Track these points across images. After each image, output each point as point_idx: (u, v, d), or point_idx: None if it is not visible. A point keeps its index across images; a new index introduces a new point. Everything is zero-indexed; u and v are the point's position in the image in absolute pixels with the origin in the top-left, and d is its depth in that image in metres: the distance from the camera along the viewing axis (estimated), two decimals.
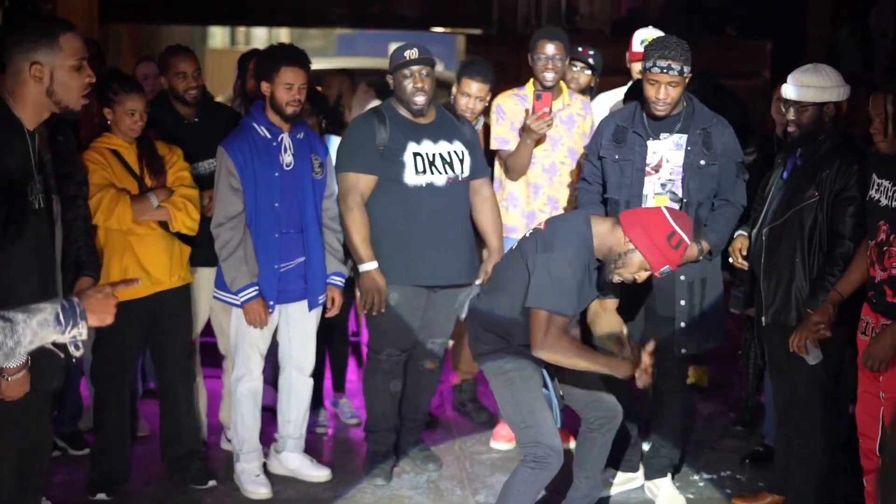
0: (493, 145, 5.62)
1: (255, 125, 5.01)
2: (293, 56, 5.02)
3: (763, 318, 4.78)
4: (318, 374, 5.98)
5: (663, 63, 4.73)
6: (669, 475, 5.21)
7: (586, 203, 5.07)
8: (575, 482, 4.62)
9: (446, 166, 5.11)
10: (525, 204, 5.60)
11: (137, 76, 6.05)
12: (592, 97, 6.04)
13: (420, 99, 5.05)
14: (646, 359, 4.17)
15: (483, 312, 4.38)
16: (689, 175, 4.87)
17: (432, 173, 5.07)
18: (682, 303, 4.88)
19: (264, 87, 4.99)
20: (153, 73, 5.96)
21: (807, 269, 4.60)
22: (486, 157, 5.48)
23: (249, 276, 4.96)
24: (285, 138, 5.03)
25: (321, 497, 5.14)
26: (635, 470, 5.26)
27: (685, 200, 4.85)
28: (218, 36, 20.70)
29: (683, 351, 4.94)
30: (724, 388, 6.75)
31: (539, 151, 5.56)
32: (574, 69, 5.99)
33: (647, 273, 4.13)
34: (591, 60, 5.99)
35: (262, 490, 5.10)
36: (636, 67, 5.76)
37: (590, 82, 6.07)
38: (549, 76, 5.51)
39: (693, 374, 6.71)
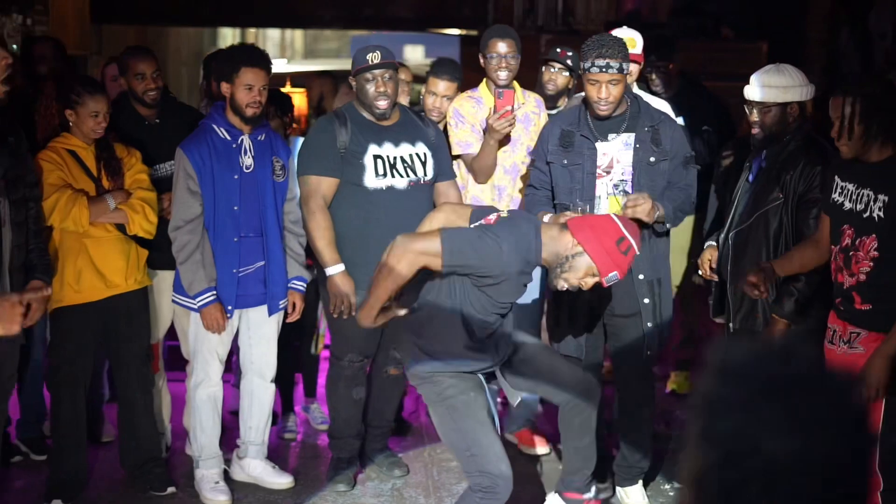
0: (455, 150, 5.49)
1: (215, 126, 4.93)
2: (253, 56, 4.94)
3: (731, 325, 4.68)
4: (289, 379, 5.94)
5: (601, 62, 4.62)
6: (640, 483, 5.11)
7: (535, 209, 4.95)
8: (565, 457, 4.52)
9: (408, 169, 5.02)
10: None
11: (106, 77, 5.99)
12: (570, 98, 5.95)
13: (383, 103, 4.96)
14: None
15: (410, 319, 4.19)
16: (638, 172, 4.76)
17: (393, 176, 4.98)
18: (646, 301, 4.77)
19: (224, 87, 4.92)
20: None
21: None
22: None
23: (207, 280, 4.88)
24: (245, 140, 4.95)
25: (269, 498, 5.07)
26: (603, 480, 5.15)
27: None
28: (229, 38, 20.67)
29: (649, 353, 4.84)
30: None
31: (499, 153, 5.48)
32: (552, 70, 5.90)
33: (594, 280, 3.95)
34: (569, 62, 5.89)
35: (220, 497, 5.02)
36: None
37: (568, 83, 5.98)
38: (503, 74, 5.42)
39: (674, 381, 6.62)
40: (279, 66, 12.43)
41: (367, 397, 5.30)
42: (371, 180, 4.96)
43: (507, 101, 5.28)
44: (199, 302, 4.89)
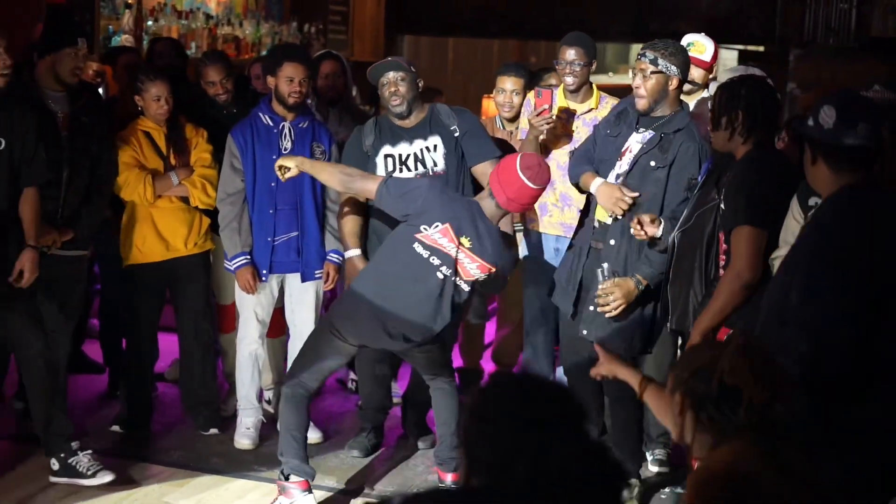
0: (518, 136, 5.90)
1: (261, 114, 5.57)
2: (293, 53, 5.60)
3: (668, 324, 4.69)
4: None
5: (642, 52, 4.90)
6: (631, 481, 5.16)
7: (578, 167, 5.20)
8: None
9: (417, 163, 5.39)
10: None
11: (251, 75, 6.80)
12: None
13: (396, 102, 5.36)
14: None
15: None
16: (635, 170, 4.88)
17: (401, 172, 5.37)
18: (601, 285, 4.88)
19: (269, 80, 5.54)
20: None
21: (702, 274, 4.48)
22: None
23: (241, 245, 5.52)
24: (286, 126, 5.54)
25: None
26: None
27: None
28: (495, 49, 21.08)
29: (584, 332, 4.93)
30: None
31: (557, 149, 5.72)
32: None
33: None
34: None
35: (244, 441, 5.65)
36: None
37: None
38: (570, 80, 5.67)
39: None
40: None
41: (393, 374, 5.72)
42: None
43: (545, 101, 5.55)
44: (234, 264, 5.54)
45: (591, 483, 1.94)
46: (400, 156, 5.39)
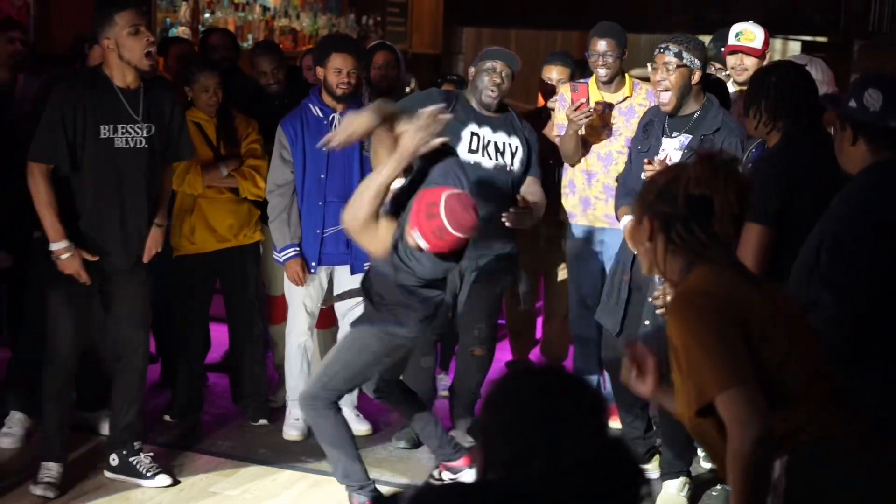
0: (553, 132, 5.87)
1: (311, 105, 5.56)
2: (342, 44, 5.57)
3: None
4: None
5: (664, 45, 4.90)
6: (682, 478, 5.09)
7: (617, 201, 5.19)
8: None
9: (498, 154, 5.38)
10: (581, 190, 5.76)
11: (303, 67, 6.81)
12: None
13: (492, 93, 5.37)
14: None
15: None
16: None
17: (482, 156, 5.37)
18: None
19: (319, 71, 5.54)
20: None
21: None
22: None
23: (290, 237, 5.52)
24: (336, 117, 5.53)
25: None
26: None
27: None
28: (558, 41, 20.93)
29: (647, 323, 4.85)
30: None
31: (597, 140, 5.69)
32: None
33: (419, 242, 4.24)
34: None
35: (293, 432, 5.66)
36: (728, 61, 5.74)
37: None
38: (602, 72, 5.65)
39: None
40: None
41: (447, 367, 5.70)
42: (463, 153, 5.29)
43: (581, 95, 5.54)
44: (283, 256, 5.55)
45: (606, 479, 1.89)
46: (483, 137, 5.39)
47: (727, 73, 6.13)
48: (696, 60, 4.85)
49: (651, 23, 11.77)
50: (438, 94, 5.53)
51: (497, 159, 5.40)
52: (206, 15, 8.86)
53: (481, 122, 5.42)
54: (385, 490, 5.01)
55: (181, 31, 8.35)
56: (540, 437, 1.91)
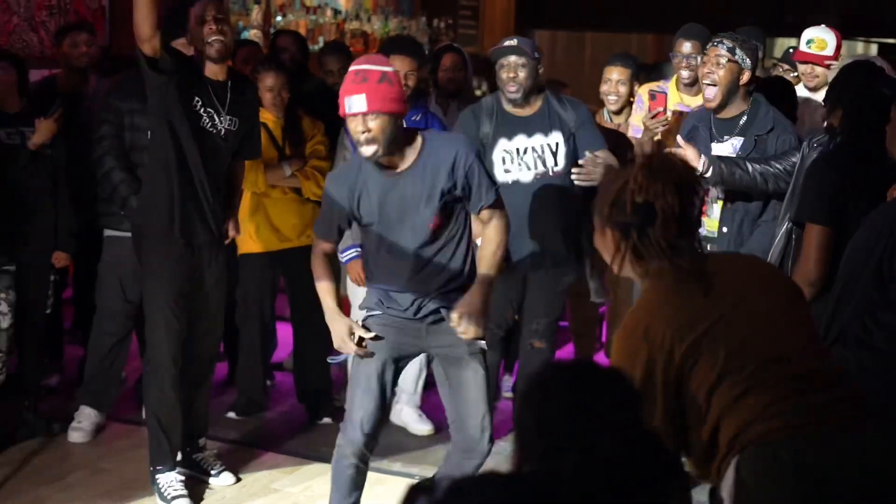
0: (629, 132, 5.83)
1: None
2: (399, 46, 5.58)
3: None
4: None
5: (717, 40, 4.80)
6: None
7: None
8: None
9: (537, 161, 5.34)
10: None
11: None
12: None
13: (512, 88, 5.30)
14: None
15: None
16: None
17: (520, 169, 5.32)
18: None
19: None
20: None
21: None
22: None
23: (352, 238, 5.55)
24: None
25: (402, 442, 5.66)
26: None
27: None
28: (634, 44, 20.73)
29: None
30: None
31: (673, 144, 5.60)
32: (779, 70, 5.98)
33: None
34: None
35: None
36: (799, 67, 5.71)
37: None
38: (685, 74, 5.61)
39: None
40: None
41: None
42: (499, 174, 5.27)
43: (659, 103, 5.47)
44: (345, 257, 5.59)
45: (640, 472, 1.91)
46: (517, 150, 5.33)
47: (795, 74, 6.10)
48: (747, 60, 4.70)
49: (727, 26, 11.66)
50: (472, 116, 5.42)
51: (537, 167, 5.32)
52: (278, 18, 8.98)
53: (513, 131, 5.33)
54: None
55: (253, 34, 8.47)
56: (574, 431, 1.93)
